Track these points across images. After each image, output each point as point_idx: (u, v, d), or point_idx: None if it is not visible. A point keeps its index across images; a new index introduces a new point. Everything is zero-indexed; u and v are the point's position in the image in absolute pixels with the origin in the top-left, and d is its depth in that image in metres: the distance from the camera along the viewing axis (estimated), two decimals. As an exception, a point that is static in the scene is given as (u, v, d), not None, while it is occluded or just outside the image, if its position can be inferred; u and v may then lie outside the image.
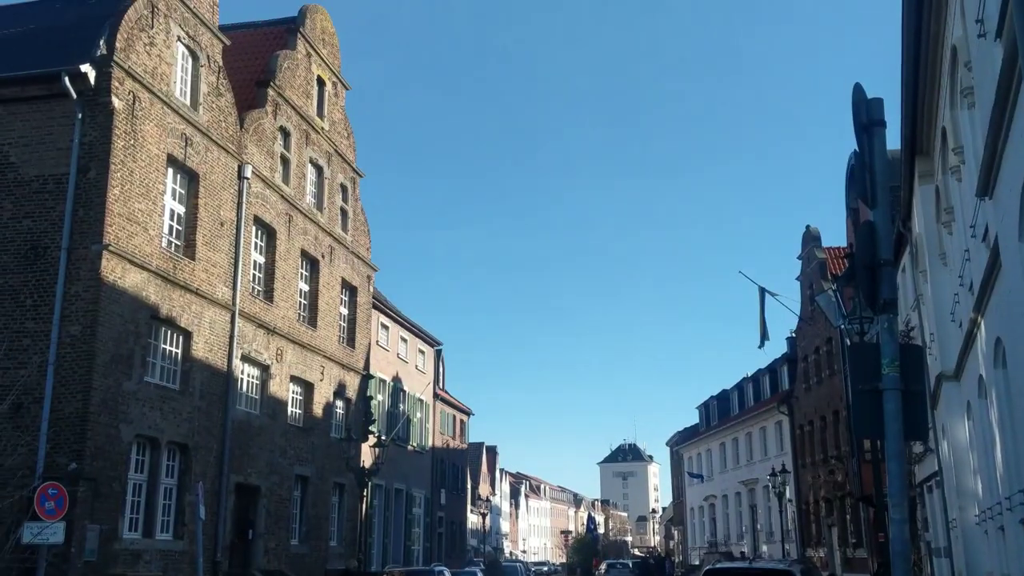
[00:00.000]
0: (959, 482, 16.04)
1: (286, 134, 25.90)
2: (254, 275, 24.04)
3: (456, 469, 50.23)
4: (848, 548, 37.63)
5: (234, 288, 22.25)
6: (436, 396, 44.85)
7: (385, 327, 36.81)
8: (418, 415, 41.09)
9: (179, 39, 20.81)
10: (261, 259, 24.47)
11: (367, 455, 28.00)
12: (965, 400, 14.68)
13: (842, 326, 17.70)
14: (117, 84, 18.29)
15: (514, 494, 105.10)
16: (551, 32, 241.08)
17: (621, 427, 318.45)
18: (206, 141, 21.38)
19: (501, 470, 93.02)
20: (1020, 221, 7.13)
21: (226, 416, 21.59)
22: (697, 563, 53.10)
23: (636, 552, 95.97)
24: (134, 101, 18.74)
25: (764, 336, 29.70)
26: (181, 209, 20.83)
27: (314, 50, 27.84)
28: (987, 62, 8.19)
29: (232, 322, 22.09)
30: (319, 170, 28.22)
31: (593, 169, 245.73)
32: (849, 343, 20.24)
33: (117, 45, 18.38)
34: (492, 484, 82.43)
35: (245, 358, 22.96)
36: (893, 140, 15.65)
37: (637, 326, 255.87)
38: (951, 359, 15.36)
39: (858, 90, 6.73)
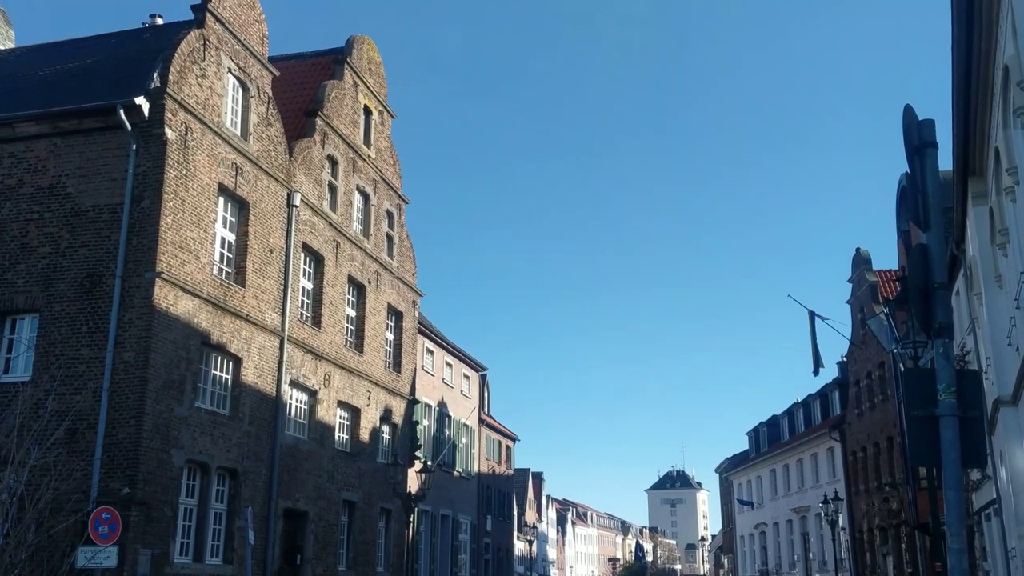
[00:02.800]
0: (1018, 510, 15.58)
1: (334, 162, 26.25)
2: (302, 301, 24.32)
3: (502, 495, 50.03)
4: (904, 578, 36.69)
5: (283, 314, 22.52)
6: (481, 421, 44.81)
7: (430, 352, 36.95)
8: (464, 440, 41.08)
9: (230, 71, 21.25)
10: (309, 285, 24.76)
11: (413, 480, 28.03)
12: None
13: (895, 351, 17.36)
14: (170, 115, 18.71)
15: (561, 521, 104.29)
16: (595, 45, 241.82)
17: (669, 453, 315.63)
18: (256, 170, 21.76)
19: (547, 496, 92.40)
20: (1079, 242, 6.96)
21: (275, 441, 21.78)
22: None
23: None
24: (186, 132, 19.15)
25: (818, 362, 29.22)
26: (231, 237, 21.18)
27: (361, 80, 28.24)
28: (1041, 81, 8.03)
29: (281, 348, 22.33)
30: (366, 197, 28.53)
31: (644, 187, 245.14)
32: (903, 368, 19.86)
33: (170, 78, 18.83)
34: (538, 510, 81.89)
35: (293, 383, 23.18)
36: (945, 161, 15.43)
37: (685, 351, 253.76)
38: (1008, 384, 14.98)
39: (909, 112, 6.64)
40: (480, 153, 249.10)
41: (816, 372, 29.37)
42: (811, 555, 50.20)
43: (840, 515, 39.78)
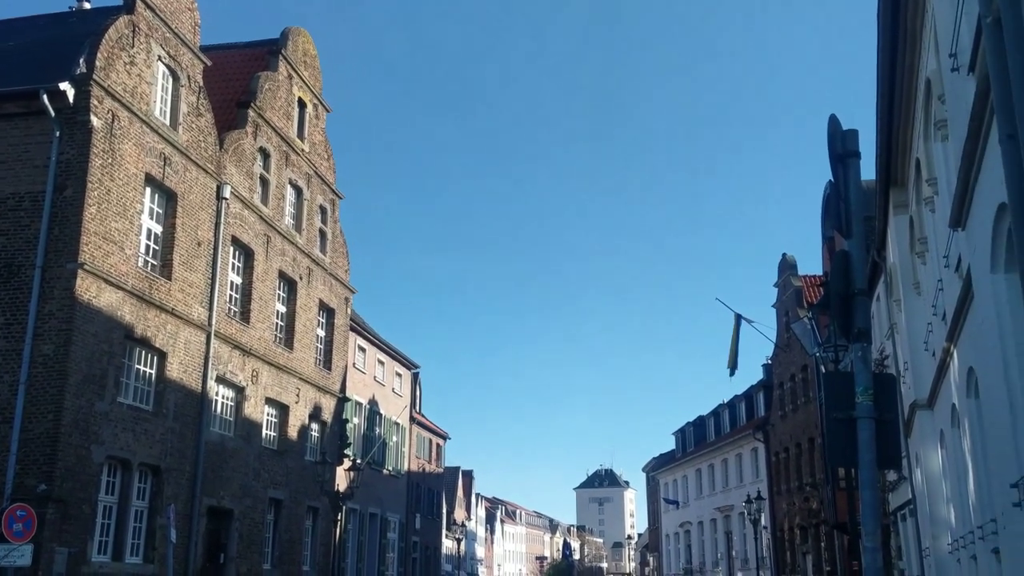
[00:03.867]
0: (932, 511, 16.12)
1: (266, 155, 25.87)
2: (231, 296, 23.91)
3: (432, 493, 49.91)
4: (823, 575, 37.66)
5: (210, 309, 22.11)
6: (412, 420, 44.63)
7: (362, 349, 36.66)
8: (394, 439, 40.86)
9: (160, 59, 20.78)
10: (238, 280, 24.35)
11: (342, 479, 27.77)
12: (938, 429, 14.79)
13: (817, 354, 17.82)
14: (96, 103, 18.22)
15: (490, 519, 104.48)
16: (538, 55, 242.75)
17: (598, 453, 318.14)
18: (185, 161, 21.32)
19: (477, 495, 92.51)
20: (992, 253, 7.23)
21: (199, 438, 21.37)
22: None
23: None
24: (113, 120, 18.67)
25: (735, 365, 29.83)
26: (158, 229, 20.72)
27: (296, 72, 27.88)
28: (960, 96, 8.33)
29: (207, 343, 21.93)
30: (298, 191, 28.17)
31: (569, 194, 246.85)
32: (824, 371, 20.37)
33: (97, 64, 18.33)
34: (468, 509, 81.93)
35: (220, 379, 22.78)
36: (868, 171, 15.89)
37: (615, 352, 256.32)
38: (924, 388, 15.48)
39: (833, 121, 6.82)
40: (418, 154, 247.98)
41: (732, 373, 29.98)
42: (734, 553, 51.20)
43: (762, 514, 40.64)
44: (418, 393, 47.33)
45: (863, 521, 6.54)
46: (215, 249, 22.46)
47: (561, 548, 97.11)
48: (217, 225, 22.61)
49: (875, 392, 6.43)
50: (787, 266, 42.33)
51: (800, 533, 40.91)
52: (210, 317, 22.07)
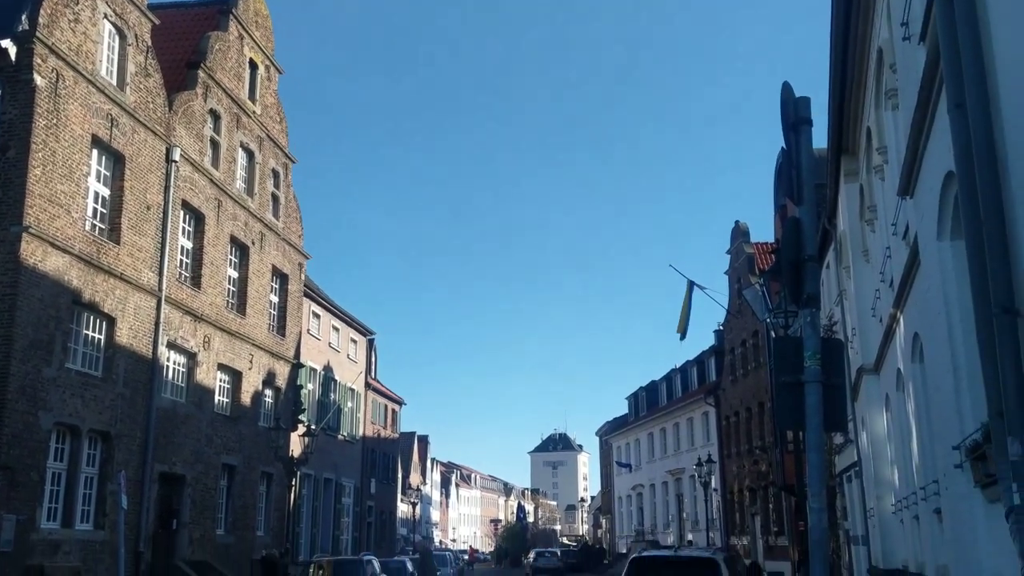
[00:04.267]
0: (877, 472, 16.54)
1: (216, 117, 25.39)
2: (181, 261, 23.55)
3: (387, 459, 50.02)
4: (771, 536, 38.56)
5: (160, 274, 21.77)
6: (368, 386, 44.56)
7: (316, 316, 36.41)
8: (349, 404, 40.79)
9: (106, 16, 20.21)
10: (189, 244, 23.98)
11: (296, 444, 27.71)
12: (884, 393, 15.14)
13: (767, 320, 18.09)
14: (40, 61, 17.70)
15: (445, 483, 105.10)
16: (491, 10, 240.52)
17: (552, 417, 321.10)
18: (133, 122, 20.85)
19: (432, 459, 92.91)
20: (939, 220, 7.37)
21: (150, 404, 21.13)
22: (624, 551, 53.87)
23: (565, 540, 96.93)
24: (57, 79, 18.16)
25: (684, 329, 30.19)
26: (106, 192, 20.28)
27: (247, 32, 27.32)
28: (911, 65, 8.43)
29: (158, 308, 21.61)
30: (250, 155, 27.74)
31: (525, 161, 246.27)
32: (774, 336, 20.69)
33: (40, 20, 17.78)
34: (423, 473, 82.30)
35: (171, 345, 22.49)
36: (821, 139, 16.05)
37: (570, 317, 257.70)
38: (871, 353, 15.81)
39: (786, 89, 6.87)
40: (373, 119, 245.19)
41: (682, 337, 30.37)
42: (685, 515, 52.15)
43: (713, 477, 41.39)
44: (373, 359, 47.23)
45: (809, 482, 6.68)
46: (165, 213, 22.06)
47: (515, 511, 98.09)
48: (167, 188, 22.19)
49: (823, 357, 6.54)
50: (740, 233, 42.77)
51: (749, 495, 41.77)
52: (160, 282, 21.73)
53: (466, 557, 66.46)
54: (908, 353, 11.07)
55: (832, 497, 23.14)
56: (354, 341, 42.12)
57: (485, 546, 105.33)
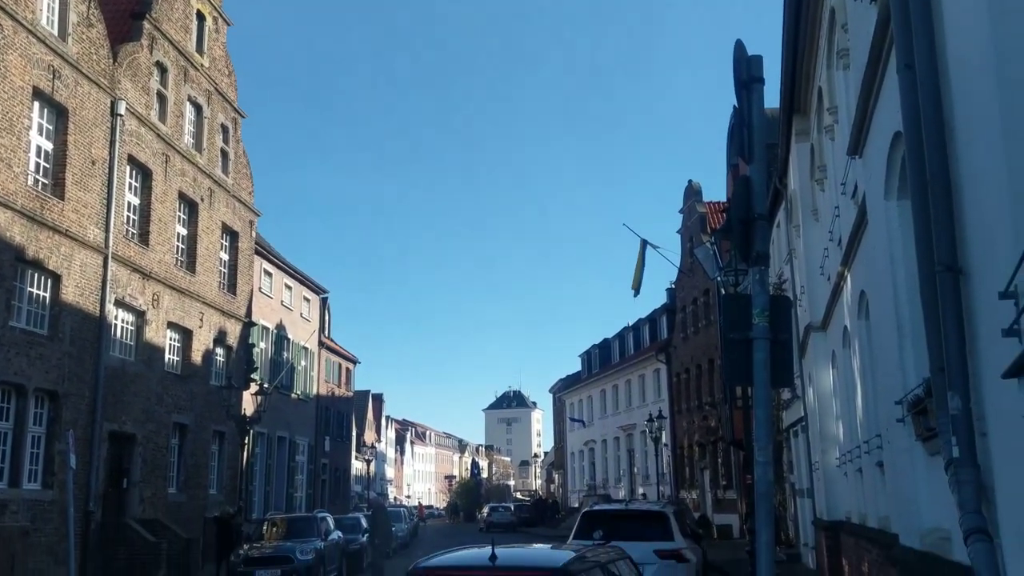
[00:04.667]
0: (822, 427, 16.94)
1: (163, 70, 24.76)
2: (128, 217, 23.07)
3: (341, 417, 49.97)
4: (719, 490, 39.40)
5: (107, 230, 21.31)
6: (321, 344, 44.32)
7: (268, 274, 36.01)
8: (302, 363, 40.57)
9: (45, -37, 19.51)
10: (136, 201, 23.48)
11: (249, 403, 27.54)
12: (831, 350, 15.44)
13: (718, 278, 18.29)
14: (-25, 9, 17.06)
15: (400, 441, 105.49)
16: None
17: (506, 375, 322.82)
18: (76, 74, 20.24)
19: (387, 417, 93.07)
20: (886, 180, 7.48)
21: (98, 363, 20.81)
22: (576, 505, 54.68)
23: (518, 495, 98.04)
24: (-5, 28, 17.53)
25: (638, 287, 30.42)
26: (49, 146, 19.74)
27: (193, -18, 26.57)
28: (862, 25, 8.48)
29: (105, 266, 21.19)
30: (198, 109, 27.14)
31: (485, 116, 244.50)
32: (723, 294, 20.94)
33: (-25, -34, 17.11)
34: (378, 431, 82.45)
35: (119, 303, 22.12)
36: (773, 99, 16.14)
37: (524, 276, 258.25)
38: (819, 311, 16.09)
39: (739, 47, 6.88)
40: (324, 73, 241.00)
41: (636, 294, 30.63)
42: (636, 469, 53.02)
43: (663, 432, 42.08)
44: (327, 318, 46.94)
45: (756, 436, 6.81)
46: (111, 168, 21.55)
47: (470, 467, 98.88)
48: (112, 143, 21.65)
49: (771, 314, 6.64)
50: (692, 193, 43.06)
51: (699, 450, 42.56)
52: (107, 239, 21.28)
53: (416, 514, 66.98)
54: (854, 311, 11.28)
55: (779, 452, 23.67)
56: (307, 299, 41.79)
57: (440, 502, 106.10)
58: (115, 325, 22.11)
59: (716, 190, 55.02)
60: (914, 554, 7.42)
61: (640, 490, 50.38)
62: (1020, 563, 4.47)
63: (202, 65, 27.15)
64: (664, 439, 43.34)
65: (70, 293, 19.89)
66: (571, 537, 13.70)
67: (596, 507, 16.71)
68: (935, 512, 7.02)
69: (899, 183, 7.29)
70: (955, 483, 5.03)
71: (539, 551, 8.27)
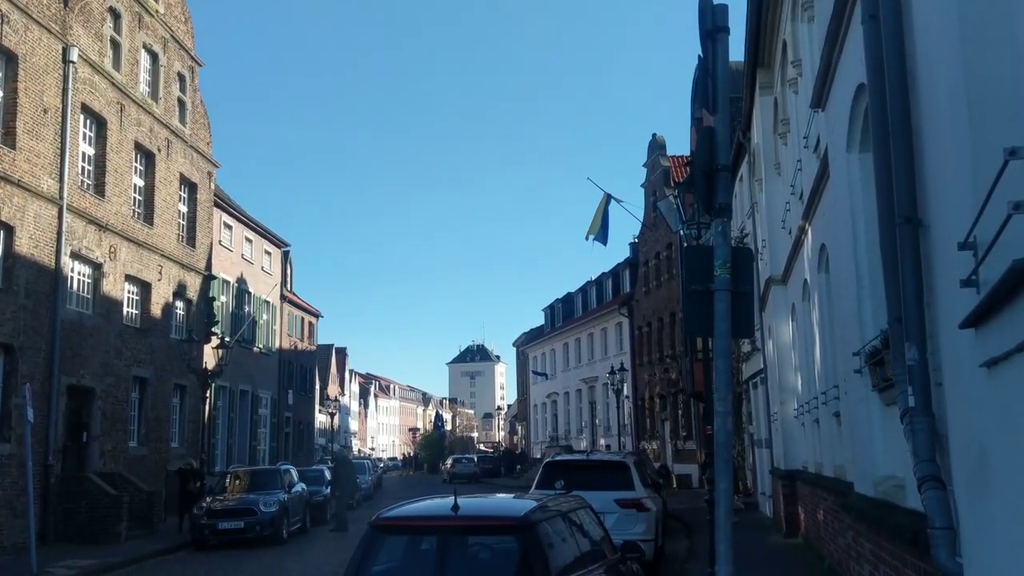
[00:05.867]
0: (781, 379, 17.21)
1: (116, 16, 24.06)
2: (83, 168, 22.55)
3: (304, 370, 49.84)
4: (679, 440, 40.02)
5: (61, 181, 20.82)
6: (283, 298, 44.00)
7: (228, 227, 35.53)
8: (264, 317, 40.27)
9: (-10, -98, 18.75)
10: (91, 151, 22.95)
11: (210, 357, 27.33)
12: (791, 303, 15.63)
13: (681, 232, 18.37)
14: (-83, -51, 16.39)
15: (363, 394, 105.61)
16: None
17: (470, 329, 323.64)
18: (25, 19, 19.60)
19: (351, 371, 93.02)
20: (848, 132, 7.50)
21: (55, 316, 20.47)
22: (539, 456, 55.30)
23: (482, 447, 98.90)
24: (-62, -31, 16.88)
25: (595, 233, 30.45)
26: (-2, 93, 19.17)
27: (147, -76, 25.74)
28: (826, -24, 8.43)
29: (59, 217, 20.74)
30: (154, 57, 26.48)
31: (448, 66, 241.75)
32: (685, 247, 21.05)
33: (-85, -96, 16.41)
34: (341, 385, 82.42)
35: (75, 255, 21.71)
36: (737, 52, 16.11)
37: (488, 229, 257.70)
38: (780, 264, 16.25)
39: (705, -4, 6.81)
40: (285, 19, 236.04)
41: (597, 239, 30.68)
42: (597, 421, 53.64)
43: (625, 385, 42.55)
44: (289, 272, 46.55)
45: (716, 387, 6.88)
46: (63, 117, 21.00)
47: (433, 420, 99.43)
48: (65, 91, 21.07)
49: (733, 266, 6.66)
50: (656, 147, 43.04)
51: (660, 402, 43.10)
52: (61, 190, 20.81)
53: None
54: (815, 264, 11.40)
55: (738, 403, 24.03)
56: (268, 253, 41.37)
57: (399, 454, 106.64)
58: (71, 278, 21.73)
59: (680, 144, 55.15)
60: (868, 501, 7.59)
61: (602, 441, 51.03)
62: (971, 509, 4.58)
63: (157, 11, 26.43)
64: (625, 391, 43.82)
65: (24, 245, 19.47)
66: (533, 487, 13.84)
67: (558, 458, 16.89)
68: (889, 461, 7.18)
69: (861, 136, 7.32)
70: (910, 432, 5.13)
71: (501, 501, 8.35)
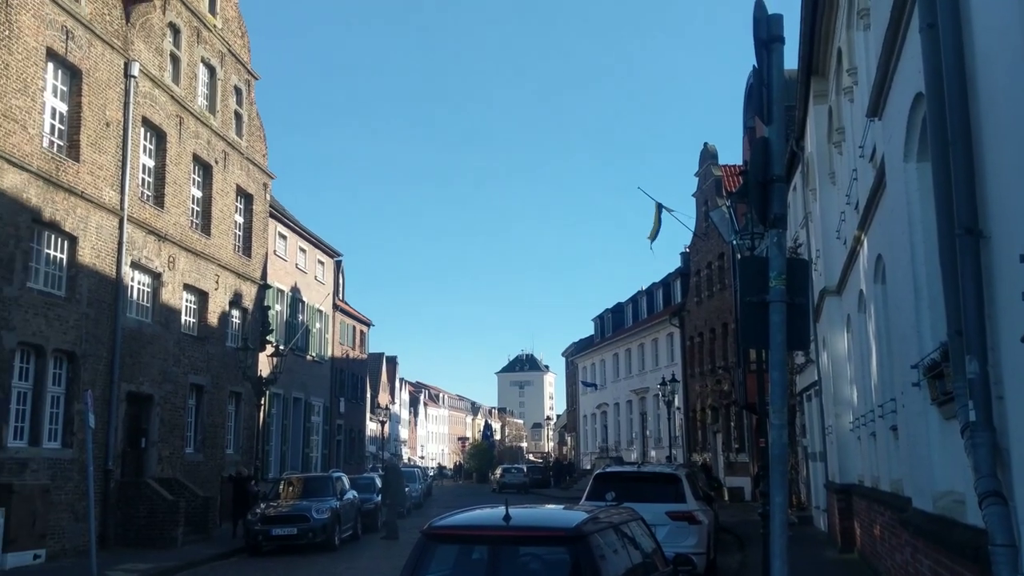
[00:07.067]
0: (836, 391, 16.94)
1: (176, 31, 24.64)
2: (143, 179, 23.10)
3: (356, 379, 50.30)
4: (731, 453, 39.54)
5: (122, 192, 21.36)
6: (335, 307, 44.52)
7: (283, 236, 36.08)
8: (317, 325, 40.77)
9: (57, -78, 19.35)
10: (151, 163, 23.50)
11: (265, 364, 27.74)
12: (846, 314, 15.40)
13: (734, 242, 18.20)
14: (-12, -31, 16.97)
15: (413, 403, 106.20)
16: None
17: (519, 338, 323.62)
18: (89, 35, 20.18)
19: (401, 379, 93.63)
20: (906, 142, 7.39)
21: (116, 324, 20.97)
22: (588, 467, 55.03)
23: (531, 457, 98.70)
24: (8, -12, 17.45)
25: (655, 237, 30.35)
26: (63, 107, 19.73)
27: (206, -59, 26.33)
28: (883, -16, 8.33)
29: (120, 228, 21.27)
30: (211, 71, 27.04)
31: (495, 77, 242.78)
32: (740, 257, 20.87)
33: (-13, -75, 16.99)
34: (392, 393, 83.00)
35: (135, 265, 22.23)
36: (791, 61, 15.95)
37: (538, 240, 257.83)
38: (834, 275, 16.03)
39: (759, 6, 6.78)
40: (337, 34, 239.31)
41: (652, 241, 30.62)
42: (648, 433, 53.23)
43: (676, 396, 42.15)
44: (341, 281, 47.07)
45: (771, 399, 6.80)
46: (125, 130, 21.54)
47: (483, 429, 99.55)
48: (126, 105, 21.63)
49: (788, 276, 6.60)
50: (708, 156, 42.71)
51: (711, 413, 42.66)
52: (122, 201, 21.34)
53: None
54: (871, 275, 11.23)
55: (792, 415, 23.71)
56: (321, 263, 41.90)
57: (453, 463, 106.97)
58: (131, 287, 22.25)
59: (732, 153, 54.64)
60: (927, 517, 7.44)
61: (652, 453, 50.62)
62: (1035, 526, 4.47)
63: (215, 26, 27.01)
64: (677, 402, 43.44)
65: (86, 255, 20.00)
66: (583, 499, 13.81)
67: (608, 469, 16.82)
68: (948, 475, 7.03)
69: (919, 145, 7.21)
70: (971, 446, 5.03)
71: (552, 512, 8.33)
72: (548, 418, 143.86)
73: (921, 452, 7.65)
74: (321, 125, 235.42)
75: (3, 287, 17.25)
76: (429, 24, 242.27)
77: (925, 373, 7.02)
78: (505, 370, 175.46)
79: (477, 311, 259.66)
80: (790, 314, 6.59)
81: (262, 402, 26.52)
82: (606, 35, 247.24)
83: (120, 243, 21.23)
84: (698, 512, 14.16)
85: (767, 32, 6.58)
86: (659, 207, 29.88)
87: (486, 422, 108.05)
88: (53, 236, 19.21)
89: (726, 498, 34.80)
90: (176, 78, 24.62)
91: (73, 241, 19.64)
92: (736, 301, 33.54)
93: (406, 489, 29.60)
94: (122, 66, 21.52)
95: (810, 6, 13.72)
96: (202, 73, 26.50)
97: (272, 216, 33.03)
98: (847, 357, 15.76)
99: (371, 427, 60.60)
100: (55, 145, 19.37)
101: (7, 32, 17.41)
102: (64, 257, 19.54)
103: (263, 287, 30.58)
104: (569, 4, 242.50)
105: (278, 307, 34.74)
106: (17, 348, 17.81)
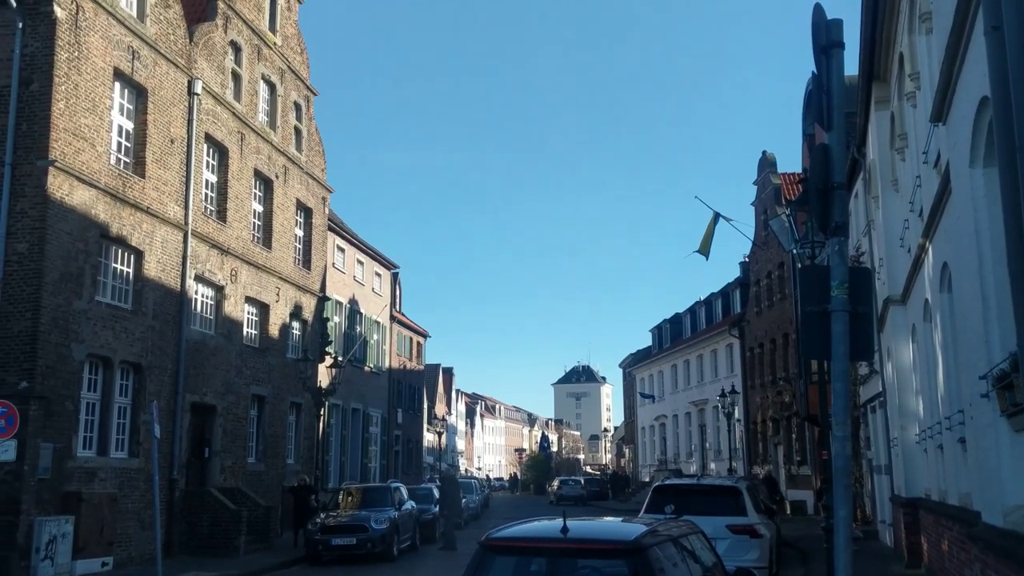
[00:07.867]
0: (901, 402, 16.56)
1: (237, 49, 25.18)
2: (206, 194, 23.62)
3: (413, 390, 50.66)
4: (793, 465, 38.87)
5: (186, 207, 21.87)
6: (393, 319, 44.93)
7: (341, 249, 36.57)
8: (375, 337, 41.19)
9: (124, -54, 19.94)
10: (213, 178, 24.02)
11: (324, 375, 28.10)
12: (910, 323, 15.06)
13: (794, 251, 17.93)
14: (59, -8, 17.54)
15: (470, 414, 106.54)
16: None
17: (575, 349, 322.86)
18: (154, 55, 20.73)
19: (457, 390, 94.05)
20: (972, 147, 7.23)
21: (180, 336, 21.44)
22: (647, 480, 54.57)
23: (588, 469, 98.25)
24: (77, 11, 18.03)
25: (706, 250, 30.10)
26: (129, 125, 20.28)
27: (266, -39, 26.89)
28: (946, -13, 8.17)
29: (184, 242, 21.77)
30: (271, 87, 27.57)
31: (553, 88, 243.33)
32: (800, 267, 20.55)
33: (58, -49, 17.57)
34: (448, 404, 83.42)
35: (199, 278, 22.71)
36: (851, 66, 15.71)
37: (595, 251, 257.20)
38: (898, 283, 15.70)
39: (818, 11, 6.70)
40: (395, 49, 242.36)
41: (705, 256, 30.42)
42: (707, 445, 52.61)
43: (736, 407, 41.63)
44: (398, 293, 47.52)
45: (834, 411, 6.68)
46: (188, 146, 22.07)
47: (539, 440, 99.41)
48: (190, 122, 22.16)
49: (850, 286, 6.48)
50: (767, 164, 42.20)
51: (772, 425, 42.00)
52: (186, 216, 21.84)
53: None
54: (936, 283, 10.97)
55: (855, 427, 23.23)
56: (378, 275, 42.35)
57: (506, 474, 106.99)
58: (195, 300, 22.73)
59: (791, 161, 53.87)
60: (997, 532, 7.23)
61: (712, 465, 50.01)
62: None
63: (275, 43, 27.54)
64: (737, 414, 42.88)
65: (152, 269, 20.50)
66: (642, 511, 13.69)
67: (667, 481, 16.65)
68: (1019, 489, 6.83)
69: (985, 150, 7.04)
70: (1043, 459, 4.88)
71: (611, 524, 8.27)
72: (605, 430, 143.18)
73: (990, 465, 7.44)
74: (376, 137, 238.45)
75: (73, 301, 17.75)
76: (489, 36, 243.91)
77: (994, 384, 6.83)
78: (561, 381, 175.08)
79: (533, 322, 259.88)
80: (852, 324, 6.47)
81: (321, 413, 26.85)
82: (661, 47, 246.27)
83: (184, 257, 21.72)
84: (759, 525, 13.95)
85: (826, 37, 6.49)
86: (715, 217, 29.64)
87: (543, 433, 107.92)
88: (120, 251, 19.73)
89: (788, 511, 34.20)
90: (237, 95, 25.15)
91: (139, 255, 20.16)
92: (797, 311, 33.04)
93: (463, 500, 29.70)
94: (186, 84, 22.06)
95: (871, 11, 13.49)
96: (263, 90, 27.03)
97: (330, 229, 33.51)
98: (912, 368, 15.40)
99: (428, 438, 60.94)
100: (122, 162, 19.91)
101: (76, 53, 17.97)
102: (131, 271, 20.06)
103: (322, 299, 31.00)
104: (629, 18, 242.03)
105: (337, 319, 35.19)
106: (86, 360, 18.31)
